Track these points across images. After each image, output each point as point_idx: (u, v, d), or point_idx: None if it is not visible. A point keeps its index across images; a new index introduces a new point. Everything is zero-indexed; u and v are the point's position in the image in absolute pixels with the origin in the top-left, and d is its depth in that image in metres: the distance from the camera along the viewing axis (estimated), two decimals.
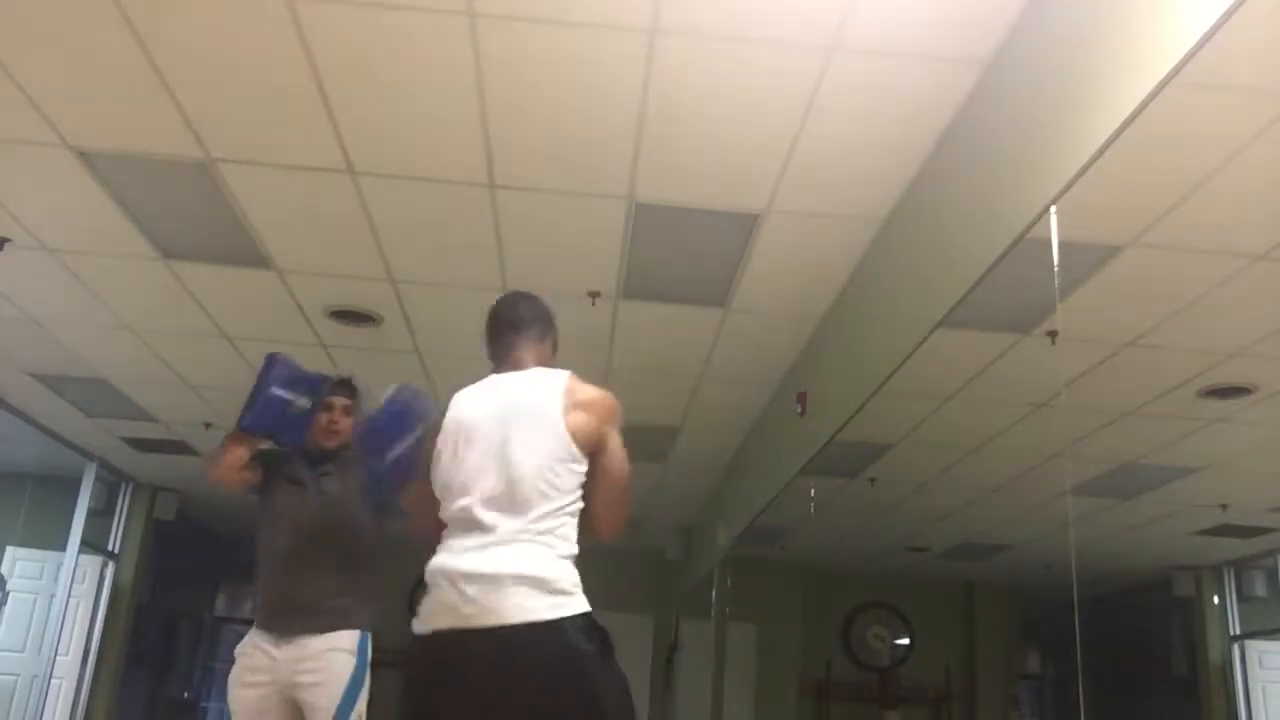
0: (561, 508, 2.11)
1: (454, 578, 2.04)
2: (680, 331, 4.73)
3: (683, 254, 3.99)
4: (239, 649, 3.02)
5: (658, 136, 3.20)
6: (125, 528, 8.58)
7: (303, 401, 3.05)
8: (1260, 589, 6.29)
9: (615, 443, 2.21)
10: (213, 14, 2.77)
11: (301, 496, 3.11)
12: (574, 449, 2.14)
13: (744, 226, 3.73)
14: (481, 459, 2.16)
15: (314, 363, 5.38)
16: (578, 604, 2.05)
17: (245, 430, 3.05)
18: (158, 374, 5.70)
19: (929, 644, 9.02)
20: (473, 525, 2.10)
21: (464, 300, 4.53)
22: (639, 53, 2.82)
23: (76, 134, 3.37)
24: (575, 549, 2.12)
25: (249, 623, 3.08)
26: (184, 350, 5.35)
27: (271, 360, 3.08)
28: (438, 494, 2.22)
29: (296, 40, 2.84)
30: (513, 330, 2.41)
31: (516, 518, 2.08)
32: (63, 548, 7.72)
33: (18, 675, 7.88)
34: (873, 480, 5.44)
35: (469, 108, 3.11)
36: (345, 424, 3.13)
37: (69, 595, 7.82)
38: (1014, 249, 2.53)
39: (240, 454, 3.06)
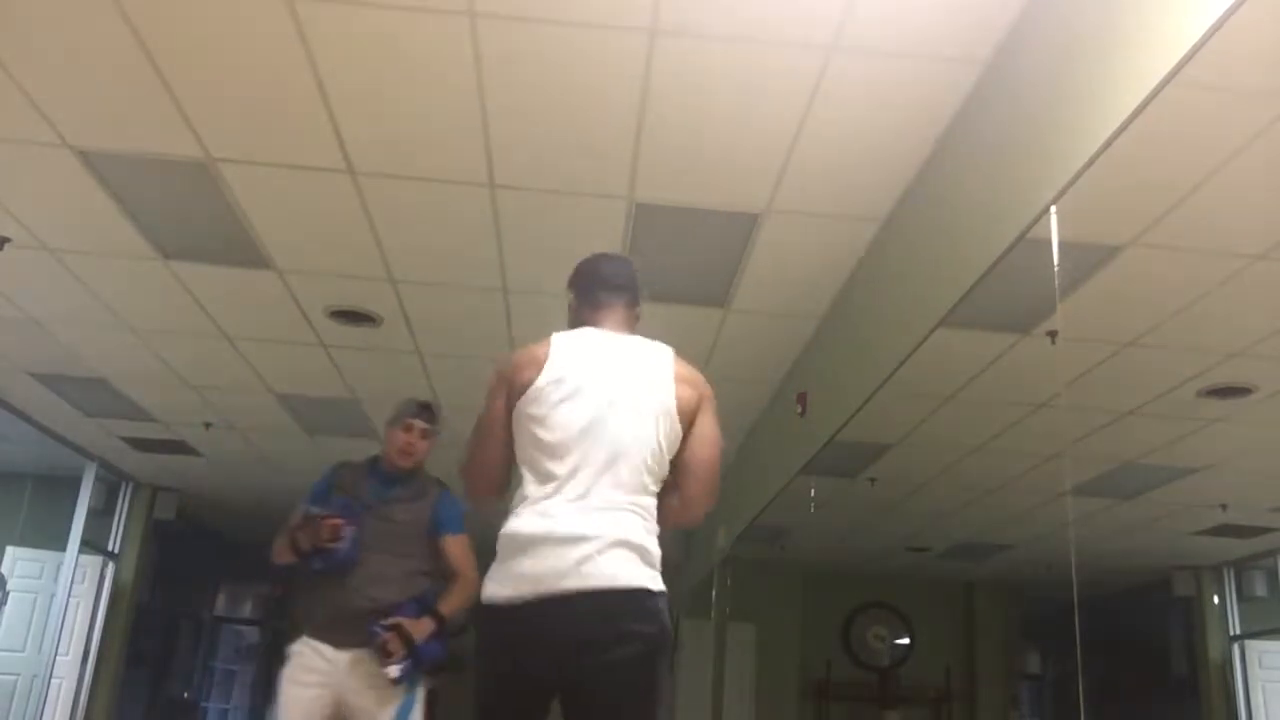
0: (656, 482, 2.06)
1: (555, 541, 1.94)
2: (680, 331, 4.72)
3: (683, 254, 3.99)
4: (291, 648, 3.15)
5: (658, 136, 3.20)
6: (125, 528, 8.58)
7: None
8: (1260, 589, 6.29)
9: (710, 420, 2.16)
10: (213, 14, 2.77)
11: (367, 516, 3.21)
12: (678, 424, 2.09)
13: (744, 226, 3.73)
14: (588, 420, 2.05)
15: (314, 363, 5.40)
16: (659, 580, 1.99)
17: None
18: (158, 374, 5.70)
19: (929, 644, 9.02)
20: (573, 488, 2.00)
21: (464, 300, 4.53)
22: (639, 53, 2.82)
23: (76, 134, 3.37)
24: (656, 525, 2.07)
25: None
26: (184, 350, 5.35)
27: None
28: (527, 445, 2.09)
29: (296, 40, 2.84)
30: (616, 292, 2.37)
31: (617, 486, 2.01)
32: (63, 548, 7.72)
33: (18, 675, 7.88)
34: (873, 480, 5.44)
35: (469, 108, 3.11)
36: (422, 447, 3.26)
37: (69, 595, 7.82)
38: (1014, 249, 2.52)
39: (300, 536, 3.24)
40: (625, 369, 2.15)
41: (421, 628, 3.01)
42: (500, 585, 1.98)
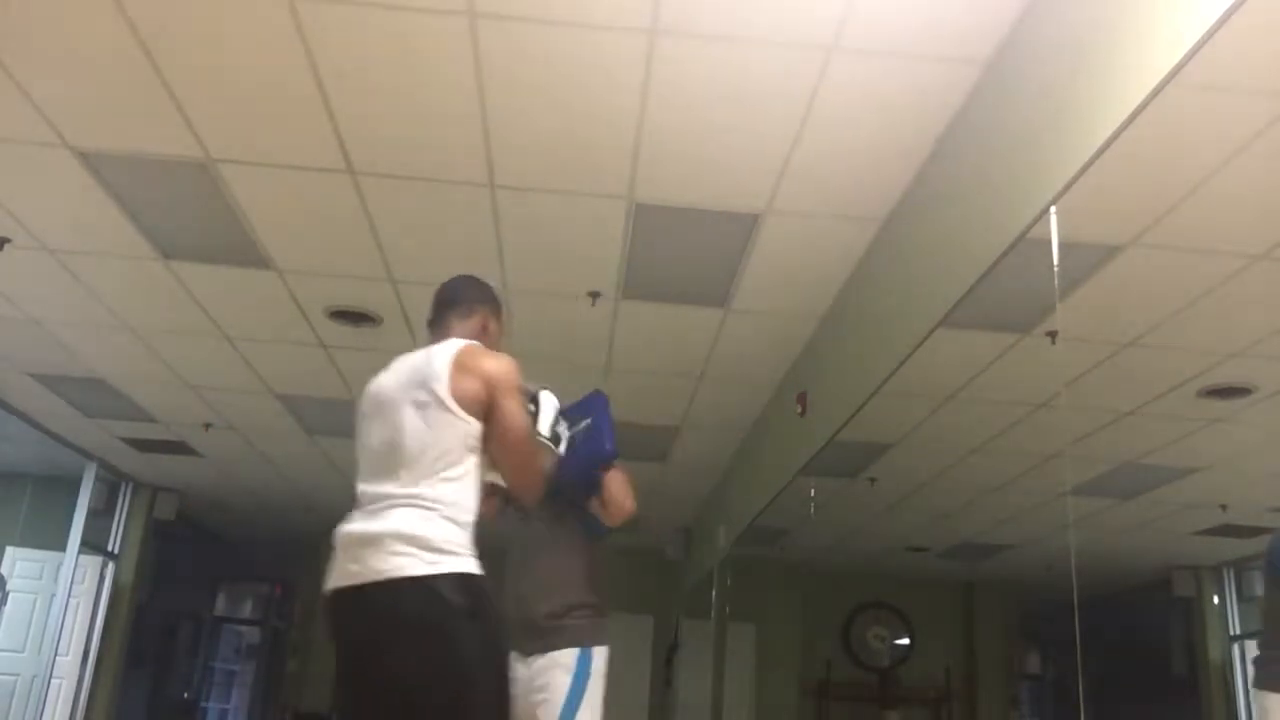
0: (444, 470, 2.16)
1: (346, 543, 2.18)
2: (680, 331, 4.73)
3: (683, 254, 3.99)
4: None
5: (658, 137, 3.20)
6: (125, 528, 8.59)
7: (583, 424, 3.16)
8: (1260, 589, 6.28)
9: (508, 405, 2.23)
10: (213, 14, 2.77)
11: (523, 521, 3.23)
12: (459, 412, 2.18)
13: (744, 226, 3.73)
14: (379, 430, 2.26)
15: (314, 363, 5.40)
16: (456, 563, 2.09)
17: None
18: (158, 374, 5.70)
19: (929, 644, 9.02)
20: (368, 495, 2.22)
21: None
22: (639, 53, 2.82)
23: (76, 134, 3.37)
24: (467, 511, 2.17)
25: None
26: (184, 350, 5.35)
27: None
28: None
29: (296, 40, 2.84)
30: (444, 307, 2.53)
31: (399, 482, 2.17)
32: (63, 548, 7.73)
33: (18, 675, 7.88)
34: (873, 480, 5.44)
35: (469, 108, 3.11)
36: None
37: (69, 595, 7.82)
38: (1014, 249, 2.53)
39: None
40: (410, 374, 2.29)
41: None
42: (326, 580, 2.23)
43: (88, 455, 7.70)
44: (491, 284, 2.63)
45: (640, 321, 4.63)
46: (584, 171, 3.43)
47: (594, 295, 4.36)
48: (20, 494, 8.25)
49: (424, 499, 2.14)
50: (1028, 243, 2.45)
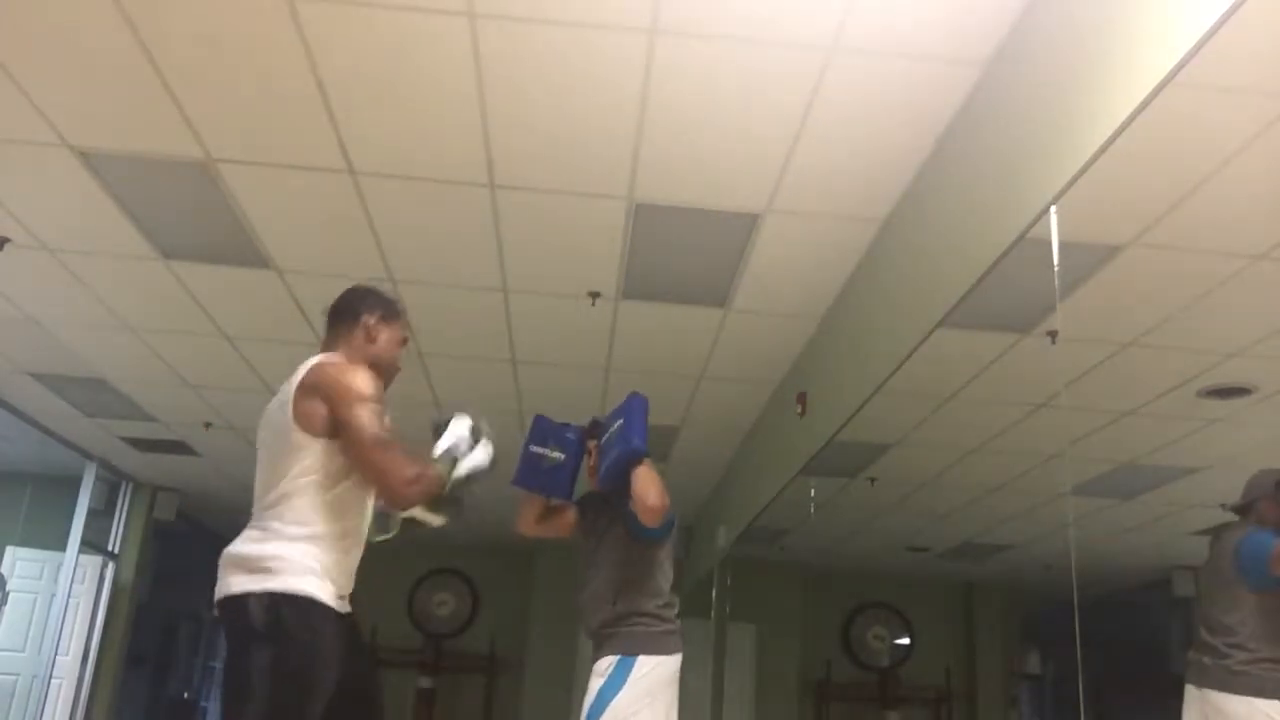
0: (289, 491, 2.20)
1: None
2: (680, 331, 4.73)
3: (683, 254, 3.99)
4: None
5: (658, 136, 3.20)
6: (125, 528, 8.58)
7: (554, 454, 3.20)
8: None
9: (348, 417, 2.22)
10: (213, 14, 2.77)
11: (584, 536, 3.36)
12: (301, 436, 2.22)
13: (744, 226, 3.73)
14: (258, 454, 2.36)
15: None
16: (271, 582, 2.13)
17: (516, 485, 3.27)
18: (158, 374, 5.70)
19: (929, 644, 9.02)
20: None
21: (464, 300, 4.53)
22: (639, 53, 2.82)
23: (76, 134, 3.37)
24: (305, 527, 2.19)
25: None
26: (184, 350, 5.35)
27: (533, 421, 3.35)
28: None
29: (296, 40, 2.84)
30: (330, 321, 2.53)
31: (257, 505, 2.26)
32: (63, 548, 7.72)
33: (18, 675, 7.88)
34: (873, 480, 5.44)
35: (469, 108, 3.11)
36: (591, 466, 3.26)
37: (69, 595, 7.82)
38: (1014, 249, 2.53)
39: (528, 511, 3.34)
40: (276, 397, 2.38)
41: None
42: None
43: (88, 455, 7.70)
44: (383, 290, 2.58)
45: (640, 321, 4.63)
46: (584, 171, 3.43)
47: (594, 295, 4.36)
48: (20, 494, 8.24)
49: (265, 520, 2.21)
50: (1028, 243, 2.45)
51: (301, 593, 2.14)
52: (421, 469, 2.28)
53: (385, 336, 2.47)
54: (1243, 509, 2.98)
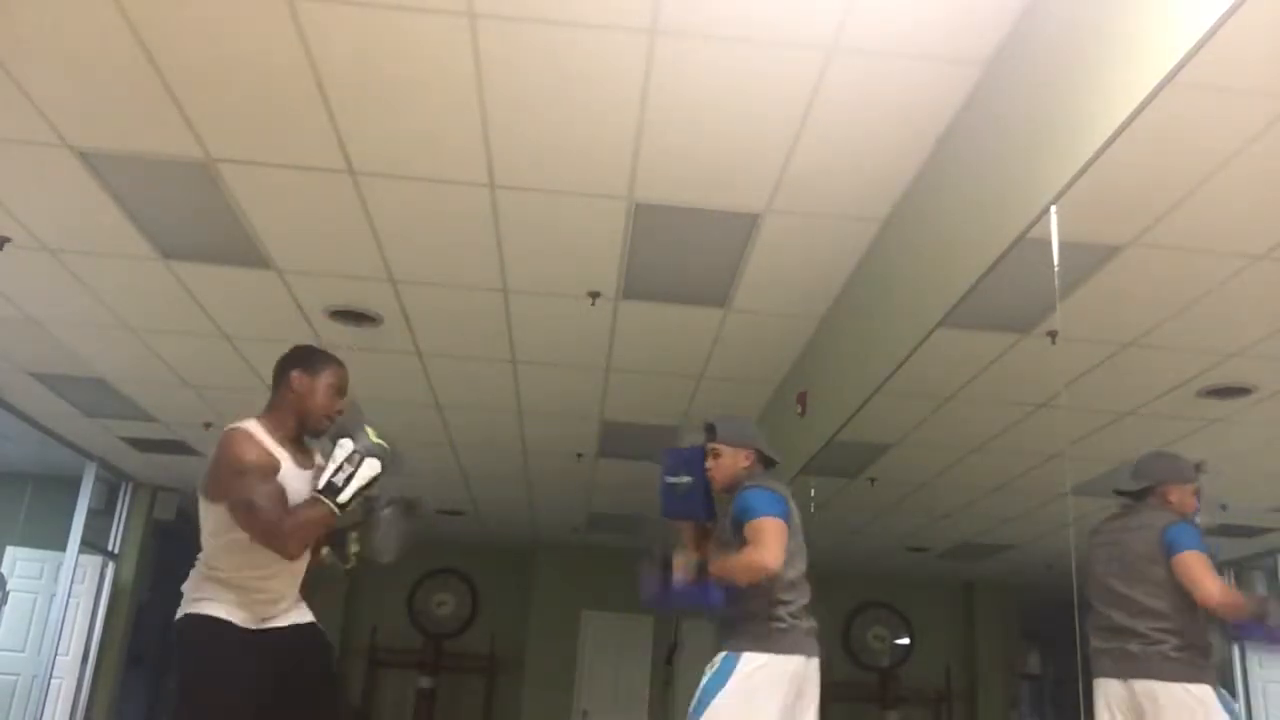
0: (204, 542, 2.60)
1: None
2: (680, 331, 4.73)
3: (683, 254, 3.99)
4: None
5: (658, 136, 3.20)
6: (125, 528, 8.59)
7: (683, 480, 3.19)
8: (1260, 589, 6.28)
9: (228, 490, 2.52)
10: (213, 14, 2.77)
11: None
12: (203, 499, 2.59)
13: (744, 226, 3.73)
14: None
15: None
16: (191, 607, 2.55)
17: (665, 518, 3.30)
18: (158, 374, 5.70)
19: (929, 644, 9.02)
20: None
21: (464, 300, 4.53)
22: (639, 53, 2.82)
23: (76, 134, 3.37)
24: (214, 570, 2.57)
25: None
26: (184, 350, 5.35)
27: (661, 456, 3.33)
28: None
29: (296, 40, 2.84)
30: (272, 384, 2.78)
31: None
32: (63, 548, 7.72)
33: (18, 675, 7.88)
34: (873, 480, 5.44)
35: (469, 108, 3.11)
36: (715, 466, 3.14)
37: (69, 595, 7.81)
38: (1014, 249, 2.53)
39: (688, 538, 3.22)
40: None
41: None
42: None
43: (88, 455, 7.70)
44: (313, 347, 2.84)
45: (640, 321, 4.63)
46: (584, 171, 3.43)
47: (594, 295, 4.36)
48: (20, 494, 8.24)
49: (198, 561, 2.62)
50: (1028, 243, 2.45)
51: (200, 612, 2.53)
52: (294, 519, 2.49)
53: (310, 387, 2.67)
54: (1140, 493, 2.94)
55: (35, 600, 8.07)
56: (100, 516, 8.24)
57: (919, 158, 3.22)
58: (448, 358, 5.22)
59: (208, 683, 2.50)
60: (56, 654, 7.79)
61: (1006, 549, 6.92)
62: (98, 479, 7.92)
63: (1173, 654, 2.67)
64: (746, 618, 2.95)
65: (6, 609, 7.89)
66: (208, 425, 6.69)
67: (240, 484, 2.49)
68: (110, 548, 8.45)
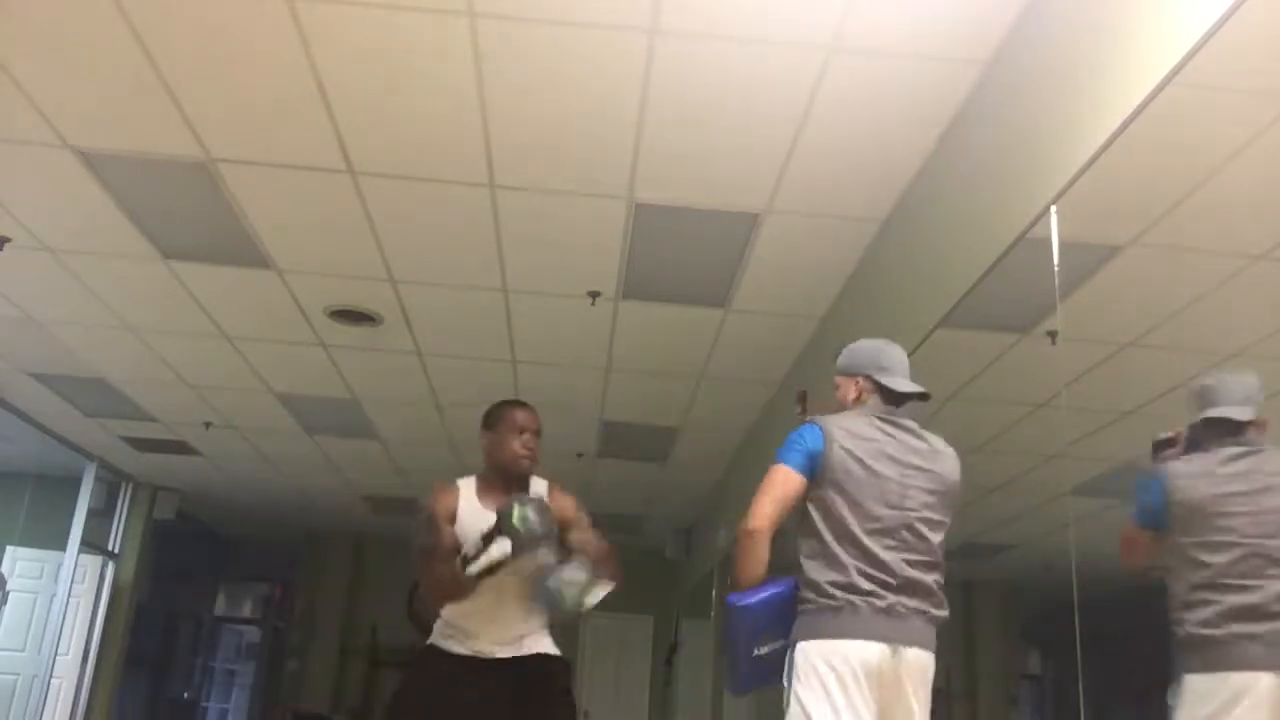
0: None
1: None
2: (680, 331, 4.73)
3: (683, 254, 3.99)
4: None
5: (658, 136, 3.20)
6: (125, 528, 8.59)
7: (779, 645, 2.27)
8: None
9: None
10: (213, 14, 2.77)
11: None
12: None
13: (744, 226, 3.73)
14: None
15: (314, 363, 5.39)
16: None
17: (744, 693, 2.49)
18: (158, 374, 5.70)
19: None
20: None
21: (464, 300, 4.53)
22: (639, 53, 2.82)
23: (76, 134, 3.37)
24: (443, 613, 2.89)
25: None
26: (184, 350, 5.35)
27: (732, 613, 2.31)
28: None
29: (297, 40, 2.84)
30: None
31: None
32: (63, 548, 7.72)
33: (18, 675, 7.88)
34: None
35: (469, 107, 3.11)
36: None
37: (69, 595, 7.82)
38: (1014, 249, 2.53)
39: None
40: None
41: None
42: None
43: (88, 455, 7.70)
44: (502, 401, 2.96)
45: (640, 321, 4.63)
46: (584, 171, 3.43)
47: (594, 295, 4.36)
48: (20, 494, 8.24)
49: None
50: (1028, 243, 2.45)
51: (426, 644, 2.85)
52: (429, 571, 2.69)
53: (490, 442, 2.83)
54: (1236, 425, 2.20)
55: (35, 600, 8.07)
56: (100, 516, 8.24)
57: (919, 158, 3.22)
58: (448, 357, 5.22)
59: (396, 697, 2.83)
60: (56, 654, 7.80)
61: (1006, 549, 6.92)
62: (98, 479, 7.92)
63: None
64: (802, 600, 2.23)
65: (6, 609, 7.88)
66: (208, 425, 6.70)
67: (416, 529, 2.77)
68: (110, 548, 8.45)
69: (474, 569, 2.59)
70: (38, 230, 4.07)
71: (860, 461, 2.26)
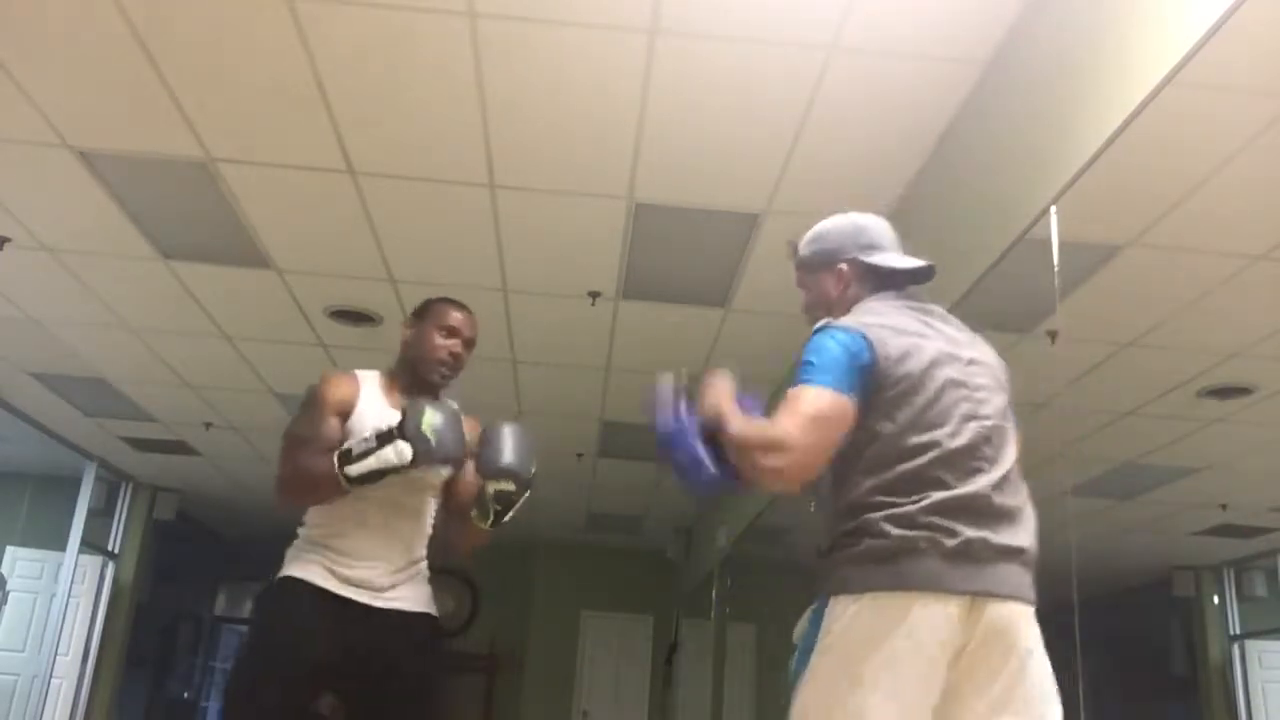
0: None
1: None
2: (680, 331, 4.73)
3: (683, 254, 3.99)
4: None
5: (658, 136, 3.20)
6: (125, 528, 8.58)
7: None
8: (1260, 589, 6.27)
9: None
10: (213, 14, 2.77)
11: None
12: None
13: (744, 226, 3.73)
14: None
15: (314, 362, 5.39)
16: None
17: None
18: (158, 374, 5.70)
19: None
20: None
21: (464, 300, 4.52)
22: (639, 52, 2.82)
23: (76, 134, 3.37)
24: (303, 528, 2.53)
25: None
26: (184, 350, 5.35)
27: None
28: None
29: (297, 40, 2.84)
30: None
31: None
32: (63, 548, 7.72)
33: (18, 675, 7.88)
34: None
35: (469, 108, 3.11)
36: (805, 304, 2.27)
37: (69, 595, 7.81)
38: (1014, 249, 2.53)
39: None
40: None
41: None
42: None
43: (88, 455, 7.69)
44: (438, 296, 2.72)
45: (640, 321, 4.63)
46: (584, 171, 3.43)
47: (594, 295, 4.36)
48: (20, 494, 8.24)
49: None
50: (1028, 243, 2.45)
51: (284, 578, 2.38)
52: (294, 464, 2.36)
53: (412, 335, 2.49)
54: None
55: (35, 600, 8.06)
56: (100, 516, 8.23)
57: (919, 158, 3.22)
58: None
59: (254, 654, 2.45)
60: (56, 654, 7.79)
61: None
62: (98, 479, 7.92)
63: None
64: (832, 544, 1.71)
65: (6, 609, 7.89)
66: (208, 425, 6.70)
67: (296, 416, 2.36)
68: (110, 548, 8.45)
69: (356, 469, 2.15)
70: (38, 230, 4.07)
71: (923, 365, 1.73)
